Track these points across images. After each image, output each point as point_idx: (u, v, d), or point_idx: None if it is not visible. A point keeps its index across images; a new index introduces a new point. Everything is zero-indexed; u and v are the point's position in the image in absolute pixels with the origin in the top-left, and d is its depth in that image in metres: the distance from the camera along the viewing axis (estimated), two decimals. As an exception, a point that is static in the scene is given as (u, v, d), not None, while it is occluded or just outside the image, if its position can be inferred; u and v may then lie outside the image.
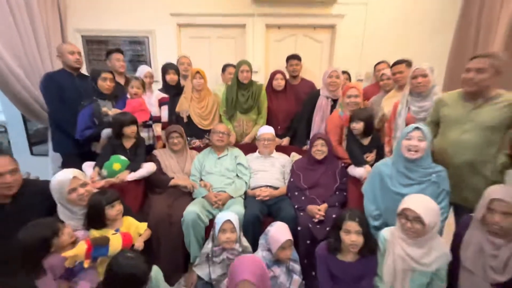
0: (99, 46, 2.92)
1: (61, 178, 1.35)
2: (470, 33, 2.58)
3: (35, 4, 2.42)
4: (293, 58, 2.63)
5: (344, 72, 2.69)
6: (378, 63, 2.56)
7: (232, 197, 1.87)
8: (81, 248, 1.25)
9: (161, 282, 1.24)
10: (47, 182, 1.41)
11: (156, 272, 1.25)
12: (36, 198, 1.36)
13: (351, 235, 1.27)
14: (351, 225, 1.28)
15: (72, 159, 2.11)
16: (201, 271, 1.46)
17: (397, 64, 2.22)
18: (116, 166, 1.76)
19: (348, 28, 2.83)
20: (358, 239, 1.27)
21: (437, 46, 2.75)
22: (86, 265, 1.27)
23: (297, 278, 1.37)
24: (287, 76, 2.60)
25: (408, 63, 2.20)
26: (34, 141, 3.34)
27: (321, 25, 2.90)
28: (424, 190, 1.38)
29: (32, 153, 3.23)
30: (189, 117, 2.35)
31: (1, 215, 1.27)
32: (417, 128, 1.39)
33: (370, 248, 1.30)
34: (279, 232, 1.35)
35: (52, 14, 2.63)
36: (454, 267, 1.28)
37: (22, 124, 3.12)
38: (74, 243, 1.29)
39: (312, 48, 2.99)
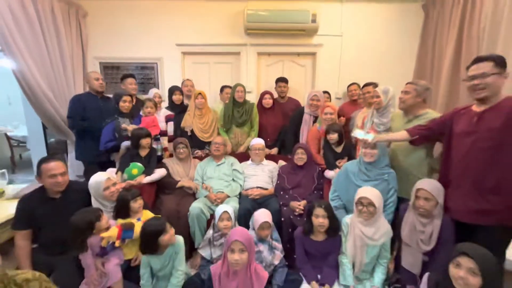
0: (114, 71, 3.38)
1: (98, 179, 1.76)
2: (427, 61, 3.12)
3: (64, 37, 2.90)
4: (281, 80, 3.10)
5: (325, 92, 3.17)
6: (350, 85, 3.04)
7: (229, 196, 2.27)
8: (114, 231, 1.64)
9: (182, 250, 1.62)
10: (86, 183, 1.81)
11: (180, 240, 1.63)
12: (78, 194, 1.76)
13: (319, 218, 1.68)
14: (319, 211, 1.69)
15: (93, 167, 2.48)
16: (204, 252, 1.84)
17: (366, 86, 2.72)
18: (135, 171, 2.16)
19: (327, 55, 3.34)
20: (325, 221, 1.68)
21: (402, 70, 3.24)
22: (117, 244, 1.65)
23: (278, 254, 1.75)
24: (276, 96, 3.07)
25: (375, 85, 2.68)
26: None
27: (304, 52, 3.41)
28: (378, 185, 1.80)
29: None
30: (192, 131, 2.76)
31: (53, 206, 1.66)
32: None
33: (334, 229, 1.71)
34: (260, 215, 1.75)
35: (77, 45, 3.11)
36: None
37: (43, 139, 3.51)
38: (107, 228, 1.68)
39: (297, 72, 3.49)
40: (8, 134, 4.67)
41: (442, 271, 1.21)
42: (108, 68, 3.38)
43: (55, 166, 1.61)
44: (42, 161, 1.61)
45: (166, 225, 1.50)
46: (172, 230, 1.53)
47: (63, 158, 1.72)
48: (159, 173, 2.29)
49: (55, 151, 3.73)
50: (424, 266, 1.58)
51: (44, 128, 3.51)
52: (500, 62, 1.34)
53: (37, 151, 3.56)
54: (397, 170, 1.87)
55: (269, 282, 1.61)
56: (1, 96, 6.03)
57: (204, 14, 3.25)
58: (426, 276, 1.33)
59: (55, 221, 1.63)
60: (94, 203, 1.80)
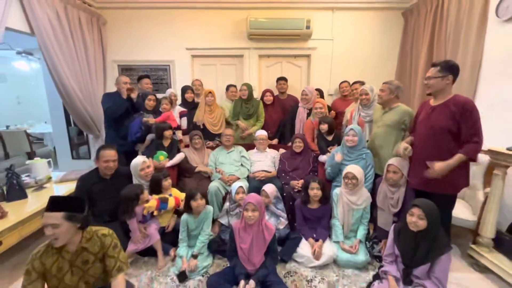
0: (131, 73, 3.77)
1: (137, 161, 2.20)
2: (407, 61, 3.59)
3: (88, 43, 3.29)
4: (281, 79, 3.48)
5: (317, 89, 3.61)
6: (341, 83, 3.47)
7: (239, 178, 2.71)
8: (154, 202, 2.08)
9: (210, 216, 2.10)
10: (128, 168, 2.24)
11: (210, 209, 2.13)
12: (123, 177, 2.19)
13: (314, 190, 2.14)
14: (314, 185, 2.15)
15: (119, 157, 2.89)
16: (223, 220, 2.29)
17: (354, 84, 3.19)
18: (161, 157, 2.58)
19: (320, 57, 3.78)
20: (318, 192, 2.13)
21: (386, 70, 3.72)
22: (155, 213, 2.10)
23: (283, 220, 2.21)
24: (276, 93, 3.51)
25: (362, 83, 3.15)
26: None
27: (300, 54, 3.84)
28: (358, 163, 2.27)
29: (72, 157, 4.01)
30: (203, 125, 3.19)
31: (105, 185, 2.08)
32: (351, 129, 2.31)
33: (325, 198, 2.17)
34: (266, 187, 2.22)
35: (98, 49, 3.50)
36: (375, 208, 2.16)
37: (67, 135, 3.90)
38: (147, 201, 2.11)
39: (294, 72, 3.92)
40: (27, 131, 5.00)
41: (403, 221, 1.67)
42: (126, 70, 3.78)
43: (110, 153, 2.05)
44: (101, 149, 2.05)
45: (196, 194, 1.96)
46: (201, 201, 1.99)
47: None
48: (179, 156, 2.73)
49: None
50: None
51: (67, 125, 3.91)
52: (444, 68, 1.73)
53: (61, 145, 3.96)
54: (375, 153, 2.34)
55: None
56: (11, 96, 6.35)
57: (211, 21, 3.66)
58: (392, 226, 1.79)
59: (106, 196, 2.06)
60: (134, 181, 2.23)
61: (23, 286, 1.25)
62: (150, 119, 2.81)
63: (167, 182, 2.24)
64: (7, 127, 5.22)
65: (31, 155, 5.23)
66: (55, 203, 1.27)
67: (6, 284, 1.86)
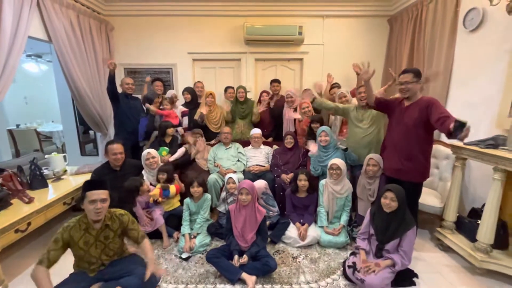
0: (136, 75, 4.05)
1: (144, 153, 2.50)
2: (392, 66, 3.84)
3: (98, 48, 3.56)
4: (275, 81, 3.77)
5: (308, 89, 3.86)
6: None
7: (235, 172, 2.98)
8: (157, 191, 2.37)
9: (208, 202, 2.39)
10: (136, 161, 2.53)
11: (208, 196, 2.42)
12: (132, 168, 2.48)
13: (302, 181, 2.42)
14: (302, 176, 2.43)
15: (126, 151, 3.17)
16: (221, 208, 2.56)
17: (332, 88, 3.51)
18: (164, 153, 2.87)
19: (311, 61, 4.06)
20: (306, 183, 2.42)
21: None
22: (160, 200, 2.38)
23: (272, 213, 2.49)
24: (271, 94, 3.78)
25: (338, 85, 3.47)
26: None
27: (293, 58, 4.12)
28: (336, 153, 2.59)
29: (81, 154, 4.28)
30: (204, 124, 3.46)
31: (115, 175, 2.36)
32: (323, 130, 2.60)
33: (312, 188, 2.45)
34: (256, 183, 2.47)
35: (106, 53, 3.77)
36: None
37: (76, 134, 4.17)
38: (148, 191, 2.38)
39: (287, 74, 4.20)
40: (37, 130, 5.28)
41: (377, 204, 1.94)
42: (131, 73, 4.05)
43: (116, 147, 2.33)
44: (108, 143, 2.33)
45: (194, 182, 2.28)
46: (198, 188, 2.28)
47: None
48: (180, 151, 3.01)
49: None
50: (371, 211, 2.33)
51: (76, 125, 4.18)
52: (417, 74, 1.99)
53: (71, 143, 4.23)
54: (355, 148, 2.61)
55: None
56: (19, 96, 6.61)
57: (210, 27, 3.94)
58: (368, 210, 2.05)
59: (117, 185, 2.32)
60: (144, 171, 2.56)
61: (48, 251, 1.45)
62: (152, 107, 3.12)
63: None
64: (18, 126, 5.49)
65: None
66: (98, 183, 1.54)
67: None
